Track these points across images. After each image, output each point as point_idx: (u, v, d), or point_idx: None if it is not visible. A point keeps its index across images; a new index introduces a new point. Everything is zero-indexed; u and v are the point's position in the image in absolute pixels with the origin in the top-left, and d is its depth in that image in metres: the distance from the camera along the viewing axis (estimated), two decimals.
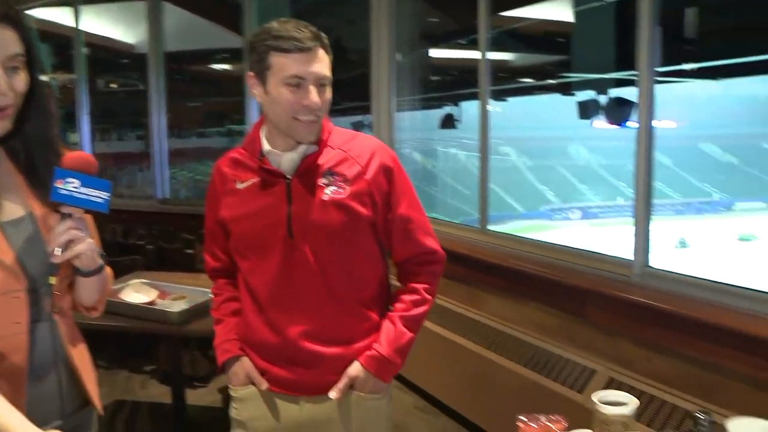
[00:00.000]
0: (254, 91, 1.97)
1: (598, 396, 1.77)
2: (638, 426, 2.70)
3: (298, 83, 1.86)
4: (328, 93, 1.94)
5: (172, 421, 4.19)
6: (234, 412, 2.15)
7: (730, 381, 2.72)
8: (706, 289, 3.01)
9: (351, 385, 2.02)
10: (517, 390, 3.62)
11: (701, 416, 1.67)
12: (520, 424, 1.82)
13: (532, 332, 3.80)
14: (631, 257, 3.32)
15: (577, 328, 3.50)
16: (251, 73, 1.95)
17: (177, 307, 3.23)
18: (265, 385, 2.05)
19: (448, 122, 8.70)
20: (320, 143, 1.99)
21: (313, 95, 1.87)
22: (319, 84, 1.90)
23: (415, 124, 7.38)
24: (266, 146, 1.96)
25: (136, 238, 6.09)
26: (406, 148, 6.95)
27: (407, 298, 2.08)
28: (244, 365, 2.07)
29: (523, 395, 3.57)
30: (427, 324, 4.38)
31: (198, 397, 4.55)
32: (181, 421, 4.08)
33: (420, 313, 2.08)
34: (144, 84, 7.00)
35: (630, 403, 1.74)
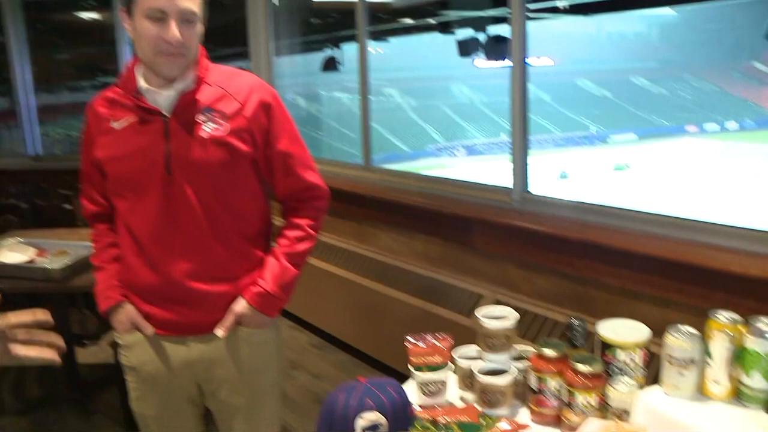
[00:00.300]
0: (125, 26, 1.89)
1: (482, 312, 1.85)
2: (520, 340, 2.85)
3: (160, 17, 1.80)
4: (197, 30, 1.89)
5: (63, 382, 4.08)
6: (124, 358, 2.12)
7: (603, 293, 2.89)
8: (579, 210, 3.17)
9: (238, 322, 2.03)
10: (408, 319, 3.72)
11: (575, 322, 1.77)
12: (408, 345, 1.89)
13: (420, 263, 3.89)
14: (511, 185, 3.44)
15: (463, 255, 3.61)
16: (121, 7, 1.88)
17: (58, 263, 3.11)
18: (150, 329, 2.02)
19: (330, 65, 8.63)
20: (197, 80, 1.94)
21: (174, 30, 1.81)
22: (184, 20, 1.83)
23: (296, 69, 7.28)
24: (142, 83, 1.90)
25: (9, 198, 5.79)
26: (289, 93, 6.86)
27: (291, 234, 2.08)
28: (128, 312, 2.03)
29: (414, 323, 3.67)
30: (318, 262, 4.42)
31: (90, 354, 4.43)
32: (72, 381, 3.98)
33: (304, 249, 2.09)
34: (2, 35, 6.54)
35: (511, 317, 1.82)
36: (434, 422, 1.74)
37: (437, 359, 1.85)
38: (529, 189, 3.41)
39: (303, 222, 2.09)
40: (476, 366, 1.83)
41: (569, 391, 1.66)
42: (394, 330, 3.95)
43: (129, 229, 1.97)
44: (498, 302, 3.30)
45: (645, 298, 2.69)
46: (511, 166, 3.42)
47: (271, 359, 2.16)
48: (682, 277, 2.55)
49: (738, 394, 1.56)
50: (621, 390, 1.62)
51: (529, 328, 3.09)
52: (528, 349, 1.87)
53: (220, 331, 2.00)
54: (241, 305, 2.01)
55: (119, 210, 2.01)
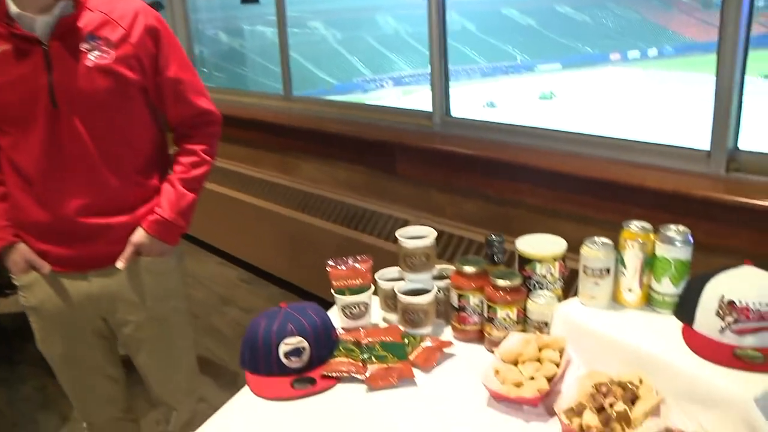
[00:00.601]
0: None
1: (401, 232, 1.83)
2: (444, 262, 2.86)
3: None
4: None
5: None
6: (23, 299, 2.04)
7: (525, 212, 2.92)
8: (499, 131, 3.18)
9: (138, 252, 1.97)
10: (334, 248, 3.70)
11: (494, 238, 1.77)
12: (329, 269, 1.86)
13: (345, 191, 3.86)
14: (433, 110, 3.41)
15: (387, 182, 3.59)
16: None
17: None
18: (47, 267, 1.93)
19: None
20: (77, 5, 1.81)
21: None
22: None
23: (214, 2, 7.02)
24: (13, 8, 1.75)
25: None
26: (210, 29, 6.62)
27: (185, 160, 2.02)
28: (21, 251, 1.93)
29: (340, 252, 3.61)
30: (243, 196, 4.34)
31: (12, 304, 4.28)
32: None
33: (200, 174, 2.03)
34: None
35: (429, 236, 1.81)
36: (357, 344, 1.74)
37: (358, 282, 1.84)
38: (451, 113, 3.38)
39: (197, 147, 2.03)
40: (398, 286, 1.82)
41: (490, 306, 1.67)
42: (321, 260, 3.91)
43: (14, 166, 1.85)
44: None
45: (565, 216, 2.72)
46: (431, 90, 3.38)
47: (175, 289, 2.11)
48: (600, 194, 2.59)
49: (650, 301, 1.59)
50: (540, 303, 1.64)
51: (455, 251, 3.11)
52: (449, 267, 1.87)
53: (120, 263, 1.93)
54: (139, 235, 1.95)
55: (2, 146, 1.88)
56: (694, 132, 2.50)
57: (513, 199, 2.94)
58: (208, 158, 2.04)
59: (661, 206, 2.39)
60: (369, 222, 3.58)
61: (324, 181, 4.03)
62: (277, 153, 4.36)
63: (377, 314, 1.92)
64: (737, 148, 2.41)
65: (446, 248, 3.16)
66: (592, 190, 2.61)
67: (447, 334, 1.83)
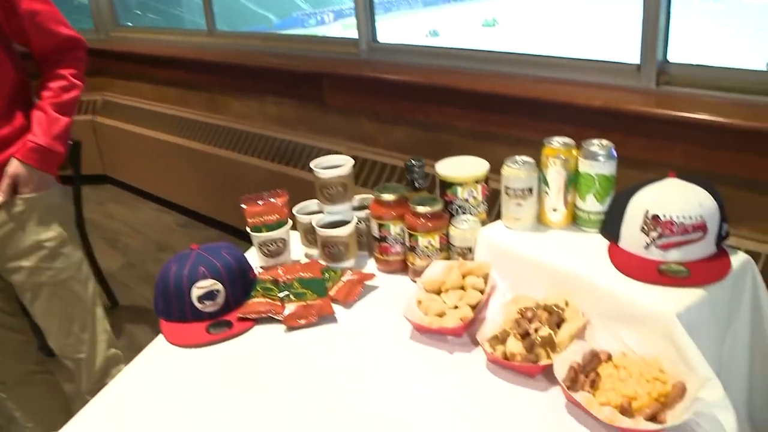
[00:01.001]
0: None
1: (315, 162, 1.73)
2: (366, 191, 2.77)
3: None
4: None
5: None
6: None
7: (456, 137, 2.84)
8: (427, 55, 3.06)
9: (15, 188, 1.84)
10: (267, 185, 3.56)
11: (413, 163, 1.68)
12: (244, 206, 1.76)
13: (275, 126, 3.73)
14: (359, 36, 3.27)
15: (317, 114, 3.47)
16: None
17: None
18: None
19: None
20: None
21: None
22: None
23: None
24: None
25: None
26: None
27: (55, 84, 1.90)
28: None
29: (273, 188, 3.53)
30: (173, 138, 4.18)
31: None
32: None
33: (71, 98, 1.93)
34: None
35: (345, 164, 1.71)
36: (276, 282, 1.65)
37: (274, 217, 1.74)
38: (377, 39, 3.24)
39: (66, 72, 1.92)
40: (316, 219, 1.73)
41: (411, 235, 1.59)
42: (237, 195, 3.81)
43: None
44: (356, 157, 3.20)
45: (497, 139, 2.64)
46: (356, 16, 3.23)
47: (64, 230, 1.98)
48: (530, 113, 2.51)
49: (575, 220, 1.53)
50: (462, 228, 1.56)
51: (388, 181, 3.02)
52: (370, 197, 1.77)
53: None
54: (14, 166, 1.82)
55: None
56: (627, 47, 2.41)
57: (443, 123, 2.85)
58: (77, 82, 1.94)
59: (592, 123, 2.33)
60: (302, 156, 3.46)
61: (254, 117, 3.88)
62: (205, 91, 4.18)
63: (298, 250, 1.83)
64: (667, 61, 2.34)
65: (379, 178, 3.07)
66: (522, 110, 2.53)
67: (371, 266, 1.75)
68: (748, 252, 2.03)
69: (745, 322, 1.41)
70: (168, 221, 4.66)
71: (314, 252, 1.78)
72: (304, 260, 1.79)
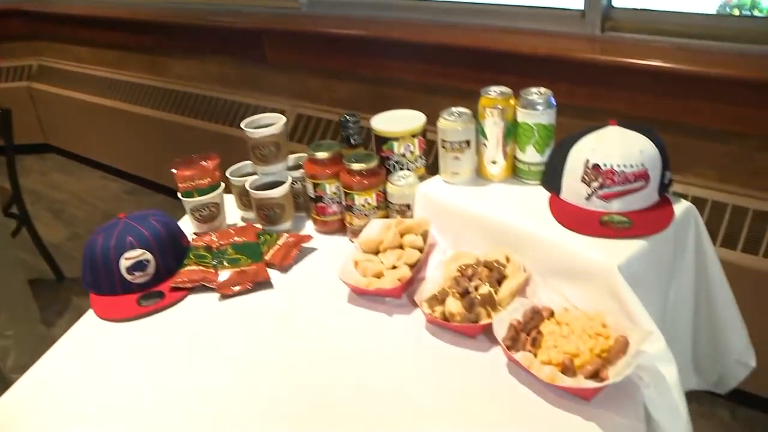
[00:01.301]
0: None
1: (246, 122, 1.64)
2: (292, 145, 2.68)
3: None
4: None
5: None
6: None
7: (402, 91, 2.76)
8: (370, 7, 2.95)
9: None
10: (212, 147, 3.45)
11: (348, 118, 1.60)
12: (174, 171, 1.66)
13: (218, 87, 3.60)
14: None
15: (260, 72, 3.35)
16: None
17: None
18: None
19: None
20: None
21: None
22: None
23: None
24: None
25: None
26: None
27: None
28: None
29: (216, 151, 3.43)
30: (116, 103, 4.02)
31: None
32: None
33: None
34: None
35: (277, 122, 1.63)
36: (209, 249, 1.57)
37: (206, 181, 1.65)
38: None
39: None
40: (249, 181, 1.64)
41: (347, 193, 1.52)
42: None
43: None
44: (300, 116, 3.11)
45: (443, 91, 2.57)
46: None
47: None
48: (475, 63, 2.44)
49: (516, 172, 1.47)
50: (400, 185, 1.50)
51: (334, 139, 2.93)
52: (305, 155, 1.69)
53: None
54: None
55: None
56: None
57: (388, 77, 2.76)
58: None
59: (537, 72, 2.27)
60: (245, 116, 3.34)
61: (196, 78, 3.74)
62: (145, 53, 4.02)
63: (234, 214, 1.75)
64: (612, 6, 2.28)
65: (324, 135, 2.98)
66: (466, 60, 2.46)
67: (309, 227, 1.68)
68: (694, 199, 2.02)
69: (689, 271, 1.38)
70: (114, 189, 4.52)
71: (251, 215, 1.70)
72: (240, 225, 1.71)
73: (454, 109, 1.44)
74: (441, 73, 2.55)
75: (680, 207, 1.31)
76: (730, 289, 1.39)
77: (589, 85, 2.20)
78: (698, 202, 2.02)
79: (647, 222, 1.25)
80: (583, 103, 2.19)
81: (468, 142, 1.43)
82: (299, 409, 1.14)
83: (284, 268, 1.52)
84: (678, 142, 2.08)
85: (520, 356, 1.13)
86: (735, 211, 1.97)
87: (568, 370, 1.09)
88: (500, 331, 1.17)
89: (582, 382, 1.04)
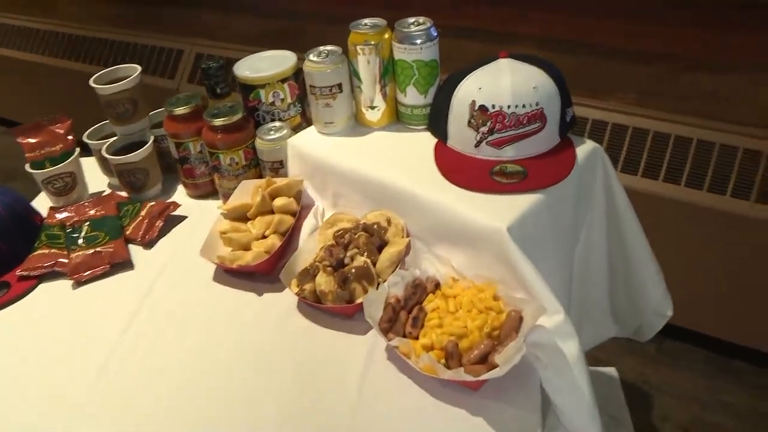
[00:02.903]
0: None
1: (96, 77, 1.43)
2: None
3: None
4: None
5: None
6: None
7: (307, 23, 2.52)
8: None
9: None
10: None
11: (210, 65, 1.38)
12: (20, 140, 1.44)
13: (111, 28, 3.29)
14: None
15: (154, 10, 3.06)
16: None
17: None
18: None
19: None
20: None
21: None
22: None
23: None
24: None
25: None
26: None
27: None
28: None
29: None
30: (5, 52, 3.66)
31: None
32: None
33: None
34: None
35: (131, 76, 1.41)
36: (63, 227, 1.36)
37: (57, 148, 1.43)
38: None
39: None
40: (107, 144, 1.43)
41: (211, 153, 1.31)
42: (98, 112, 3.41)
43: None
44: (199, 54, 2.85)
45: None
46: None
47: None
48: None
49: (398, 116, 1.28)
50: (269, 139, 1.29)
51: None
52: None
53: None
54: None
55: None
56: None
57: (288, 9, 2.51)
58: None
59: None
60: (143, 58, 3.06)
61: (86, 19, 3.41)
62: None
63: (101, 182, 1.53)
64: None
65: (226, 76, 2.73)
66: None
67: (180, 192, 1.47)
68: (614, 126, 1.86)
69: (599, 217, 1.22)
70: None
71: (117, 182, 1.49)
72: (107, 194, 1.50)
73: (321, 48, 1.23)
74: (346, 1, 2.31)
75: (584, 149, 1.14)
76: (645, 241, 1.24)
77: (503, 6, 1.99)
78: (618, 129, 1.85)
79: (544, 171, 1.08)
80: (496, 27, 1.99)
81: (340, 86, 1.22)
82: (161, 401, 0.99)
83: (148, 243, 1.33)
84: (598, 64, 1.91)
85: (397, 342, 0.96)
86: (657, 137, 1.82)
87: (451, 356, 0.93)
88: (374, 313, 1.00)
89: (463, 375, 0.88)
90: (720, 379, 1.99)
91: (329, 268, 1.08)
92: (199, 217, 1.38)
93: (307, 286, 1.08)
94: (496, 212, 1.01)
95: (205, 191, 1.42)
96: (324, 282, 1.07)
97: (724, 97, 1.76)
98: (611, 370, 1.83)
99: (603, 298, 1.33)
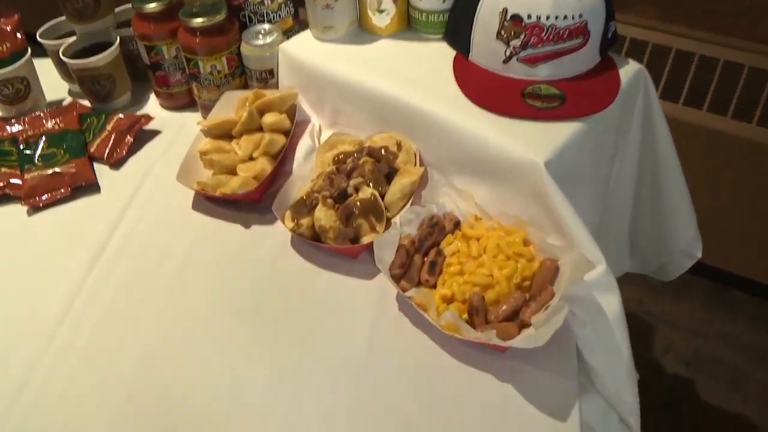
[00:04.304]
0: None
1: None
2: None
3: None
4: None
5: None
6: None
7: None
8: None
9: None
10: None
11: None
12: None
13: None
14: None
15: None
16: None
17: None
18: None
19: None
20: None
21: None
22: None
23: None
24: None
25: None
26: None
27: None
28: None
29: None
30: None
31: None
32: None
33: None
34: None
35: None
36: (15, 142, 1.17)
37: (4, 48, 1.23)
38: None
39: None
40: (64, 46, 1.23)
41: (189, 59, 1.13)
42: (52, 5, 3.13)
43: None
44: None
45: None
46: None
47: None
48: None
49: (410, 23, 1.10)
50: (257, 45, 1.11)
51: None
52: None
53: None
54: None
55: None
56: None
57: None
58: None
59: None
60: None
61: None
62: None
63: (60, 88, 1.34)
64: None
65: None
66: None
67: (153, 103, 1.29)
68: (632, 42, 1.69)
69: (633, 147, 1.07)
70: None
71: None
72: (67, 103, 1.31)
73: None
74: None
75: (627, 71, 0.98)
76: (681, 172, 1.09)
77: None
78: (637, 46, 1.68)
79: (585, 95, 0.92)
80: None
81: None
82: (131, 351, 0.85)
83: (115, 163, 1.15)
84: None
85: (413, 292, 0.82)
86: (679, 56, 1.65)
87: (477, 312, 0.79)
88: (386, 256, 0.86)
89: (494, 339, 0.74)
90: (722, 311, 1.91)
91: (330, 200, 0.92)
92: (176, 132, 1.21)
93: (304, 221, 0.93)
94: (531, 142, 0.86)
95: (182, 102, 1.25)
96: (324, 216, 0.91)
97: (758, 12, 1.59)
98: None
99: (623, 233, 1.20)
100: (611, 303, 0.82)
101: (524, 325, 0.78)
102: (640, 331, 1.86)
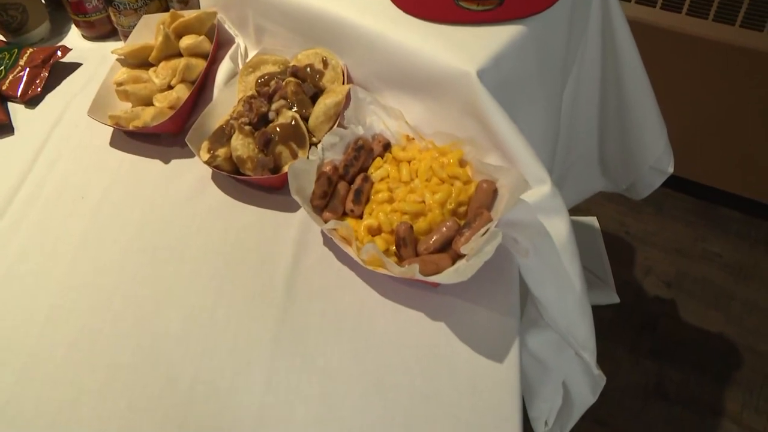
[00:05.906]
0: None
1: None
2: None
3: None
4: None
5: None
6: None
7: None
8: None
9: None
10: None
11: None
12: None
13: None
14: None
15: None
16: None
17: None
18: None
19: None
20: None
21: None
22: None
23: None
24: None
25: None
26: None
27: None
28: None
29: None
30: None
31: None
32: None
33: None
34: None
35: None
36: None
37: None
38: None
39: None
40: None
41: None
42: None
43: None
44: None
45: None
46: None
47: None
48: None
49: None
50: None
51: None
52: None
53: None
54: None
55: None
56: None
57: None
58: None
59: None
60: None
61: None
62: None
63: None
64: None
65: None
66: None
67: (75, 35, 1.18)
68: None
69: (592, 52, 0.97)
70: None
71: None
72: None
73: None
74: None
75: None
76: (648, 82, 0.99)
77: None
78: None
79: None
80: None
81: None
82: (46, 298, 0.77)
83: (30, 101, 1.05)
84: None
85: (333, 224, 0.73)
86: None
87: (404, 243, 0.70)
88: (305, 185, 0.77)
89: (417, 274, 0.66)
90: (706, 229, 1.83)
91: (247, 127, 0.83)
92: (98, 64, 1.10)
93: (221, 152, 0.84)
94: (464, 50, 0.76)
95: (104, 31, 1.14)
96: (241, 145, 0.82)
97: None
98: (592, 220, 1.62)
99: (592, 148, 1.11)
100: (559, 227, 0.73)
101: (458, 256, 0.69)
102: (620, 253, 1.78)
